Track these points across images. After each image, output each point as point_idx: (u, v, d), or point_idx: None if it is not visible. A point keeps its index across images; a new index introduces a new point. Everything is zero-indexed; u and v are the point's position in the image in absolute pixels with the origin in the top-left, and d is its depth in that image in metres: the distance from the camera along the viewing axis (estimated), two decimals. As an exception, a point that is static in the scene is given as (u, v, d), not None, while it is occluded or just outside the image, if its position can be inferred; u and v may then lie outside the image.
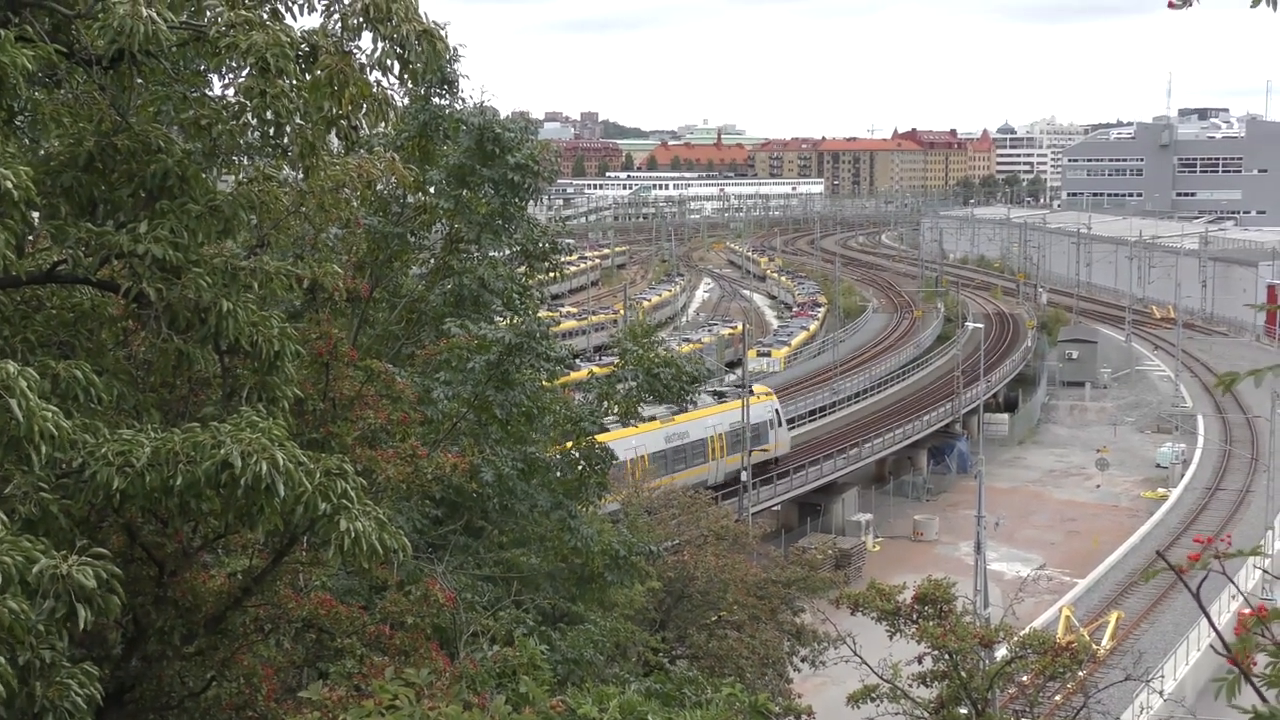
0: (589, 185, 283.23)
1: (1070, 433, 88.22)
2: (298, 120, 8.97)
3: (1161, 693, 33.50)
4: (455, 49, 20.18)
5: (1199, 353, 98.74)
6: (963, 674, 18.89)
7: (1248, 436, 74.68)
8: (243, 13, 8.79)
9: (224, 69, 9.10)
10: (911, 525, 65.53)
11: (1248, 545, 6.51)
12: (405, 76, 9.18)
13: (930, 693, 19.54)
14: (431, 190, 19.51)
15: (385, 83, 9.13)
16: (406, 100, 18.48)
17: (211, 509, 8.06)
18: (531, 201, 21.22)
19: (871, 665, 19.79)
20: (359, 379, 12.72)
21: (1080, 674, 23.04)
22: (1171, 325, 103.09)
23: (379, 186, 15.69)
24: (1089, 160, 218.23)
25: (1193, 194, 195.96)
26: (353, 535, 7.91)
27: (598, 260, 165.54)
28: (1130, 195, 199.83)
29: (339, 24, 9.03)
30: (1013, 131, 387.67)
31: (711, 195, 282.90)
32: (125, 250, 8.67)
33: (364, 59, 9.03)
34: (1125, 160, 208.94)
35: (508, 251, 20.88)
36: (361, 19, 8.93)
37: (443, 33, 9.25)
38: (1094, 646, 30.55)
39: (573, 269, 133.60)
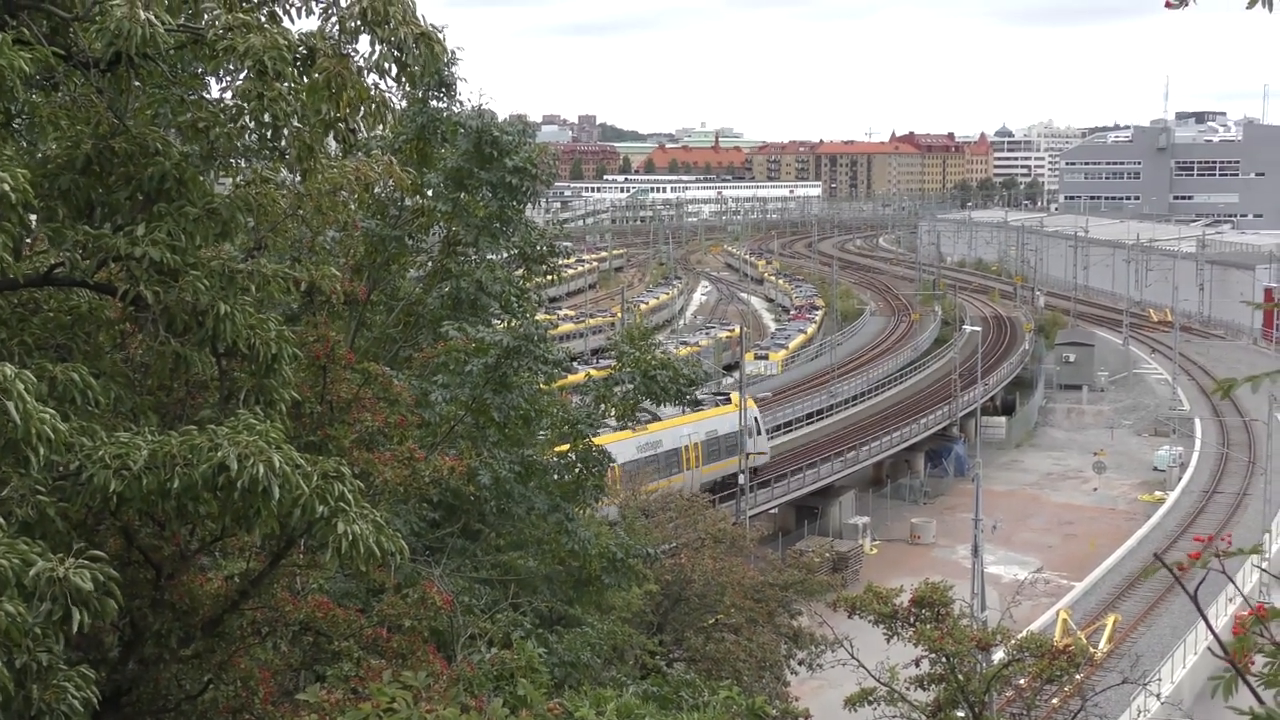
0: (586, 188, 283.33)
1: (1067, 436, 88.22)
2: (295, 123, 8.96)
3: (1159, 695, 33.47)
4: (453, 52, 20.26)
5: (1196, 356, 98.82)
6: (960, 677, 18.89)
7: (1245, 440, 74.65)
8: (240, 15, 8.78)
9: (222, 72, 9.09)
10: (909, 528, 65.53)
11: (1246, 546, 6.52)
12: (403, 79, 9.16)
13: (927, 696, 19.53)
14: (429, 193, 19.52)
15: (383, 86, 9.12)
16: (404, 103, 18.46)
17: (209, 512, 8.06)
18: (529, 204, 21.23)
19: (869, 668, 19.79)
20: (356, 382, 12.71)
21: (1077, 677, 23.05)
22: (1169, 328, 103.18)
23: (377, 189, 15.76)
24: (1086, 163, 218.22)
25: (1190, 197, 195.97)
26: (350, 538, 7.91)
27: (595, 263, 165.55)
28: (1127, 198, 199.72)
29: (337, 27, 9.02)
30: (1010, 135, 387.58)
31: (709, 198, 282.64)
32: (123, 253, 8.67)
33: (362, 62, 9.02)
34: (1122, 163, 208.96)
35: (505, 254, 20.88)
36: (359, 22, 8.93)
37: (440, 36, 9.24)
38: (1091, 649, 30.50)
39: (570, 272, 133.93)
